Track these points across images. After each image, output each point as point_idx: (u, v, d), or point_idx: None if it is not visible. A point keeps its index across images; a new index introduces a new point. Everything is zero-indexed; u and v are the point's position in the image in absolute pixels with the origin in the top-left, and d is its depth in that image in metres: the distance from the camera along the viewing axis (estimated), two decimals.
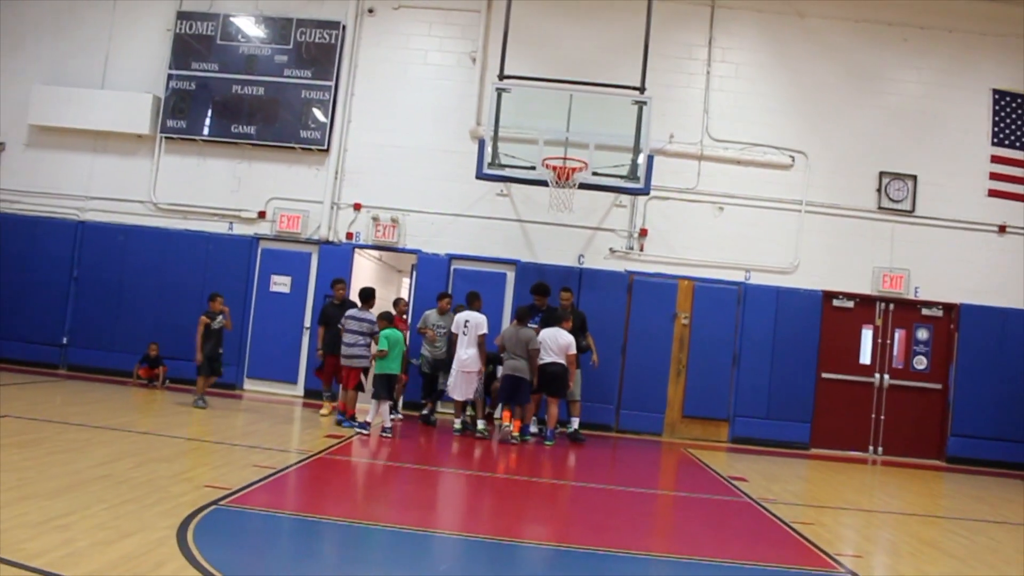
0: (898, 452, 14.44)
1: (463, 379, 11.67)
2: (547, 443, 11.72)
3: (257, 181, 14.97)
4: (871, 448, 14.60)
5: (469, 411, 12.34)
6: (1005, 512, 10.08)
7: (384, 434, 10.96)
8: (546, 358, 11.72)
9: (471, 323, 11.76)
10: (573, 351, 11.79)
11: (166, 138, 15.04)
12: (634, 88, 11.95)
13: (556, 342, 11.74)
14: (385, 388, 11.07)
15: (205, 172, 15.04)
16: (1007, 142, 14.80)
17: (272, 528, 6.29)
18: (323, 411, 12.69)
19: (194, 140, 14.96)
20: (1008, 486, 12.53)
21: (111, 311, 14.79)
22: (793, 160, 14.70)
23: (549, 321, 12.13)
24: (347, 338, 11.79)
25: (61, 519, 5.43)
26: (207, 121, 14.94)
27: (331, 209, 14.77)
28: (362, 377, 12.04)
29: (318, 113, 14.79)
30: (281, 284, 14.81)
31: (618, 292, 14.34)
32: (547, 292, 12.80)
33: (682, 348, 14.42)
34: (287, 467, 8.37)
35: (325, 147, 14.76)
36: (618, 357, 14.13)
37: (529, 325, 11.99)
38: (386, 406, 11.13)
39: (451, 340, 12.05)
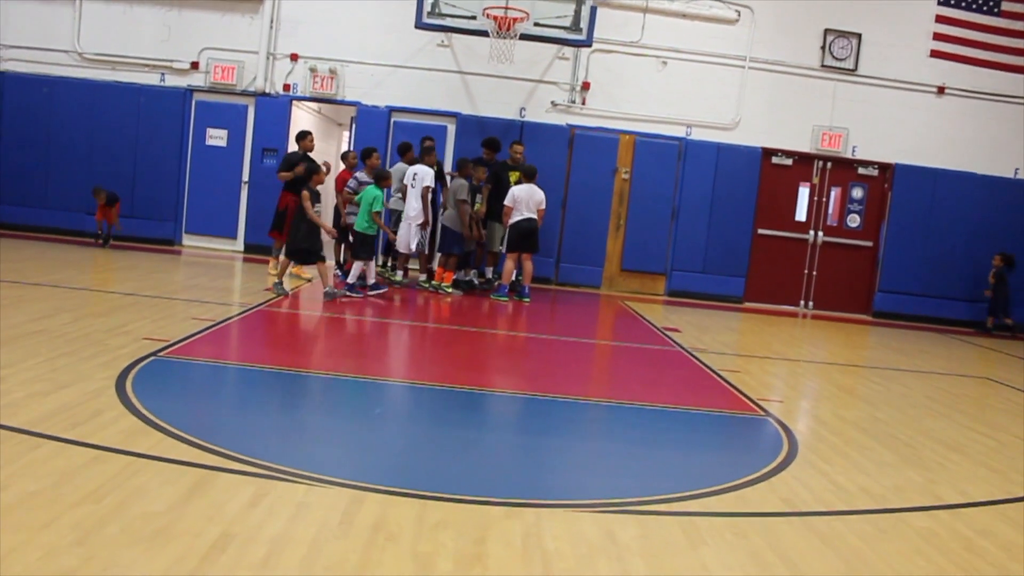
0: (828, 307, 14.93)
1: (407, 231, 11.54)
2: (524, 300, 11.77)
3: (189, 30, 14.34)
4: (802, 302, 15.08)
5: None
6: (919, 362, 10.61)
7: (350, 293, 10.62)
8: (523, 214, 11.56)
9: (418, 176, 11.55)
10: (544, 207, 11.73)
11: None
12: None
13: (533, 198, 11.62)
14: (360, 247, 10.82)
15: (133, 20, 14.34)
16: (952, 1, 14.72)
17: (211, 377, 6.39)
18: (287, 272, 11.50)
19: None
20: (928, 339, 13.11)
21: (40, 167, 14.29)
22: (739, 15, 14.50)
23: (500, 174, 12.06)
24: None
25: None
26: None
27: (267, 60, 14.30)
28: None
29: None
30: (217, 137, 14.45)
31: (559, 146, 14.29)
32: (498, 147, 12.63)
33: (622, 203, 14.54)
34: (227, 319, 8.40)
35: None
36: (558, 211, 14.20)
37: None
38: (360, 264, 10.73)
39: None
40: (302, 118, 15.54)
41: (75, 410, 4.84)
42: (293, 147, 12.20)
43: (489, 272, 12.79)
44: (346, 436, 5.31)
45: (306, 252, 10.25)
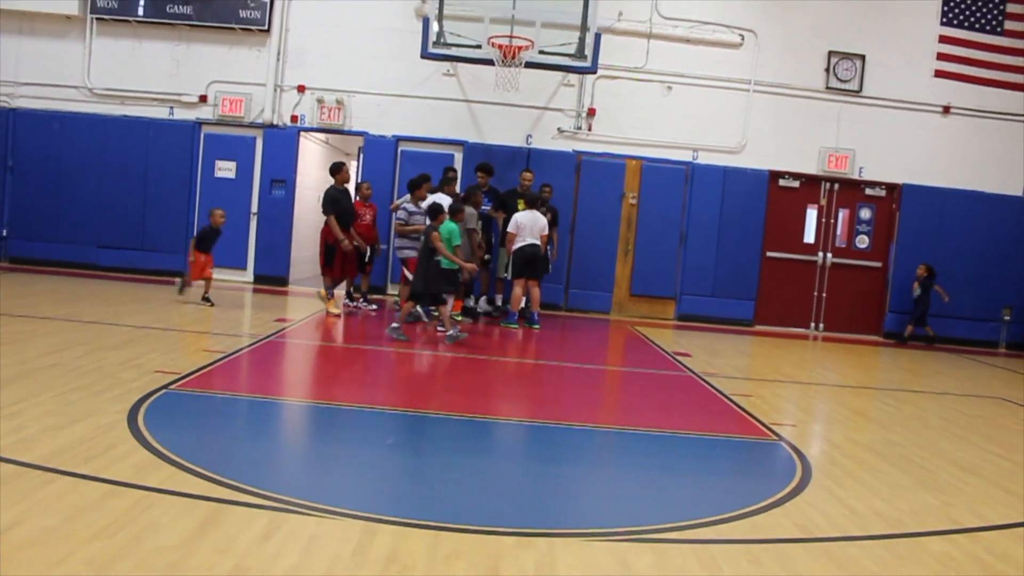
0: (838, 328, 14.89)
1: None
2: (534, 327, 11.75)
3: (197, 64, 14.51)
4: (812, 324, 15.04)
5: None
6: (932, 383, 10.56)
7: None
8: (526, 240, 11.56)
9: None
10: (547, 232, 11.74)
11: (97, 19, 14.40)
12: None
13: (536, 224, 11.65)
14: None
15: (141, 55, 14.52)
16: (955, 21, 14.79)
17: (222, 410, 6.39)
18: (333, 308, 11.47)
19: (128, 21, 14.36)
20: (939, 359, 13.06)
21: (50, 201, 14.43)
22: (743, 39, 14.59)
23: (507, 201, 12.12)
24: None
25: (10, 407, 5.44)
26: (141, 1, 14.31)
27: (274, 92, 14.43)
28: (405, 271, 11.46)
29: None
30: (226, 169, 14.56)
31: (566, 172, 14.35)
32: (491, 171, 12.64)
33: (630, 228, 14.57)
34: (238, 351, 8.42)
35: (266, 27, 14.30)
36: (567, 237, 14.23)
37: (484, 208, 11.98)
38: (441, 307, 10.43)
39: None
40: (310, 149, 15.65)
41: (88, 444, 4.85)
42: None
43: (499, 299, 12.81)
44: (358, 467, 5.30)
45: (434, 295, 10.10)
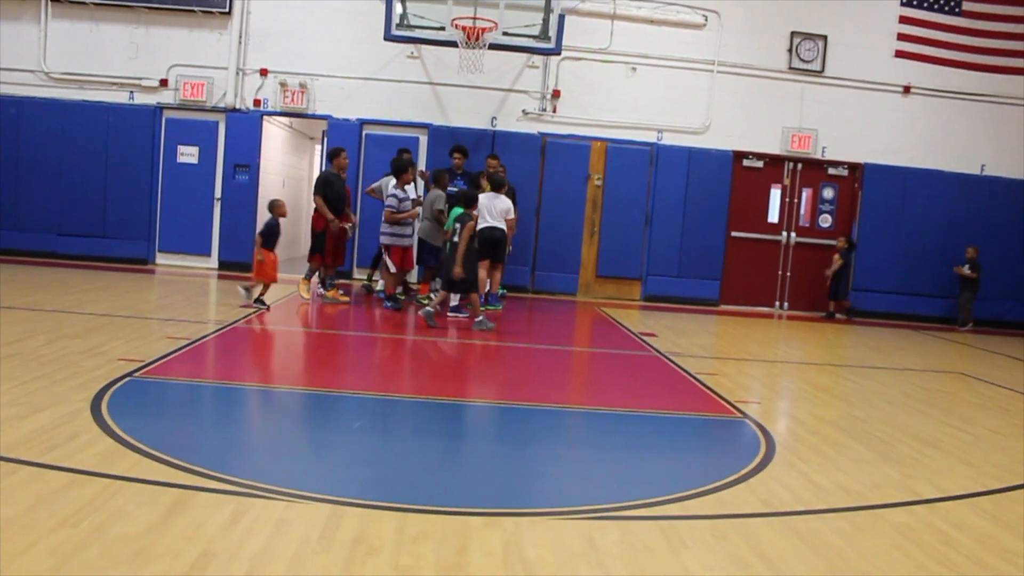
0: (803, 307, 15.08)
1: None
2: (494, 307, 11.73)
3: (157, 47, 14.29)
4: (777, 303, 15.20)
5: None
6: (895, 359, 10.72)
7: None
8: (487, 222, 11.50)
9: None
10: (512, 215, 11.53)
11: (53, 1, 14.12)
12: None
13: (496, 207, 11.58)
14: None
15: (99, 38, 14.26)
16: (915, 2, 14.95)
17: (187, 397, 6.34)
18: (305, 293, 11.35)
19: (84, 3, 14.09)
20: (902, 336, 13.26)
21: (8, 189, 14.15)
22: (706, 19, 14.63)
23: (475, 184, 12.03)
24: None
25: None
26: None
27: (236, 75, 14.27)
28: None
29: None
30: (188, 155, 14.40)
31: (532, 154, 14.35)
32: (466, 153, 12.61)
33: (595, 209, 14.61)
34: (202, 337, 8.35)
35: (227, 9, 14.11)
36: (532, 219, 14.24)
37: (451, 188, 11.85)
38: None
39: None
40: (274, 133, 15.51)
41: (51, 433, 4.79)
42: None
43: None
44: (324, 451, 5.29)
45: (469, 283, 10.13)
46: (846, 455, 5.67)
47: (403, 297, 11.59)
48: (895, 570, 3.78)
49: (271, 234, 10.39)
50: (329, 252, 11.39)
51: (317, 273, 11.66)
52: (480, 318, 10.05)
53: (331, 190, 11.27)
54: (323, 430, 5.82)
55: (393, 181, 11.15)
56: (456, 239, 10.07)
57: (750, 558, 3.77)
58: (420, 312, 10.17)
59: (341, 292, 11.59)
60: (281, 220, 10.50)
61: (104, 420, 5.14)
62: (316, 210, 11.29)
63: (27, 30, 14.16)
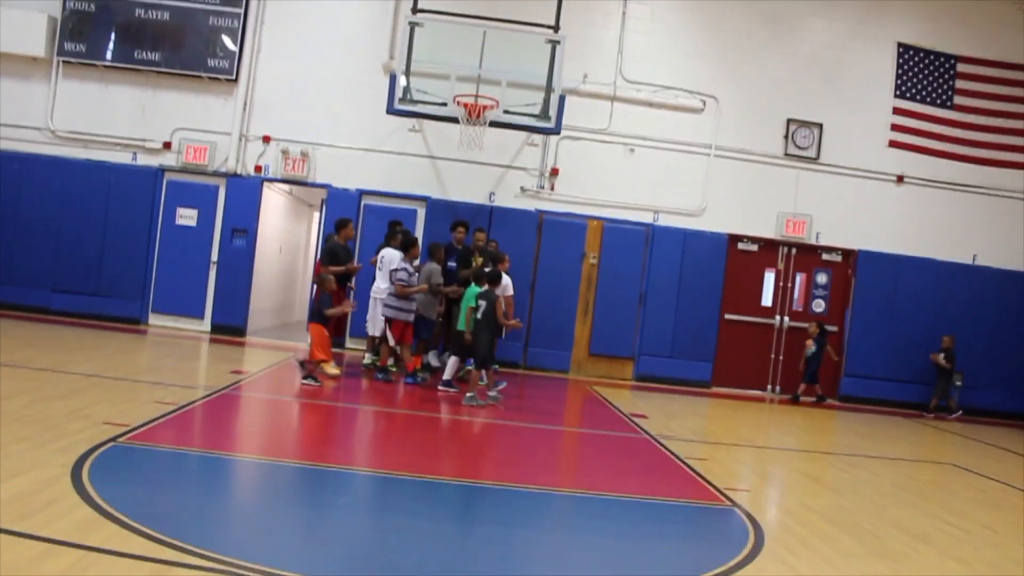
0: (795, 391, 14.99)
1: (374, 309, 11.47)
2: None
3: (163, 110, 14.47)
4: (769, 387, 15.15)
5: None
6: (885, 448, 10.65)
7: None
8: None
9: (386, 258, 11.50)
10: (509, 292, 11.54)
11: (64, 62, 14.35)
12: (548, 27, 11.90)
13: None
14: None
15: (107, 99, 14.45)
16: (908, 94, 15.26)
17: (171, 465, 6.25)
18: (332, 369, 10.92)
19: (95, 65, 14.31)
20: (893, 424, 13.20)
21: (6, 242, 14.15)
22: (704, 104, 14.89)
23: (467, 257, 12.05)
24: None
25: None
26: (109, 45, 14.30)
27: (239, 141, 14.42)
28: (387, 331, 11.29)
29: (227, 41, 14.32)
30: (187, 217, 14.46)
31: (528, 231, 14.44)
32: (468, 227, 12.65)
33: (590, 287, 14.65)
34: (191, 403, 8.28)
35: (234, 77, 14.34)
36: (527, 295, 14.26)
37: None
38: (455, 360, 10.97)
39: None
40: (273, 199, 15.63)
41: (28, 499, 4.71)
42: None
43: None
44: (308, 527, 5.21)
45: (488, 358, 10.31)
46: (835, 548, 5.59)
47: (394, 369, 11.51)
48: None
49: (320, 310, 10.46)
50: (333, 324, 11.22)
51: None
52: (471, 394, 10.01)
53: (338, 262, 11.28)
54: (307, 505, 5.74)
55: (398, 255, 11.24)
56: (479, 316, 10.17)
57: None
58: (464, 401, 10.08)
59: (333, 364, 11.49)
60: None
61: (84, 487, 5.07)
62: (320, 280, 11.05)
63: (36, 89, 14.34)
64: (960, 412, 14.60)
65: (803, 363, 14.57)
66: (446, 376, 10.84)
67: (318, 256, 13.62)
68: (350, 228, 11.63)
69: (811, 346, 14.43)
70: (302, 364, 10.55)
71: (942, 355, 14.58)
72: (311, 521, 5.34)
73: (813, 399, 14.53)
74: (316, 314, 10.50)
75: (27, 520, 4.39)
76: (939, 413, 14.63)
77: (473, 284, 10.63)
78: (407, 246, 11.31)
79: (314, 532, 5.11)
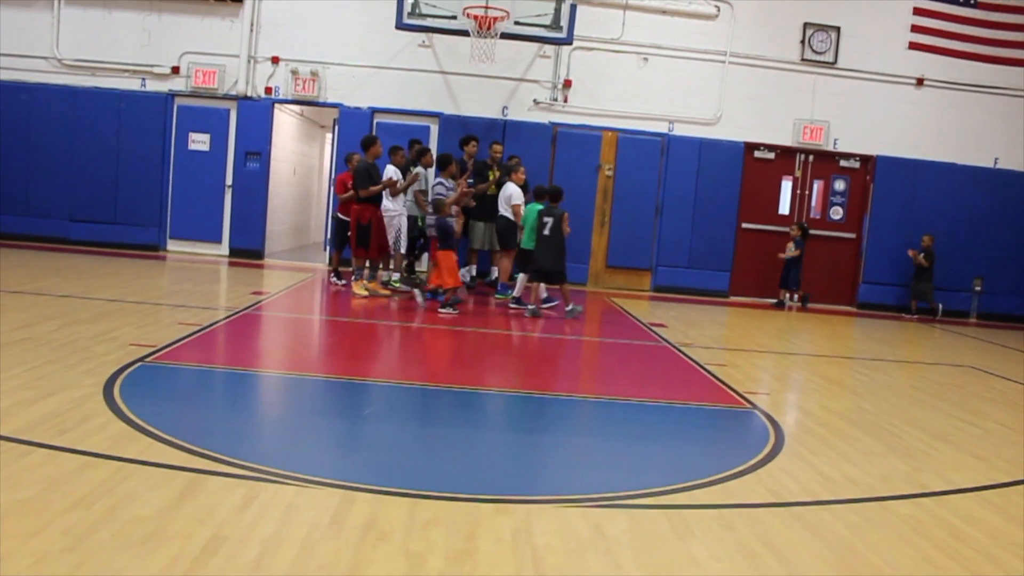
0: (813, 299, 14.99)
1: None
2: (499, 296, 11.78)
3: (169, 35, 14.29)
4: (787, 295, 15.14)
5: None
6: (904, 352, 10.71)
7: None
8: (499, 211, 11.61)
9: (421, 177, 11.51)
10: (516, 202, 11.52)
11: None
12: None
13: (503, 194, 11.64)
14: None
15: (112, 26, 14.26)
16: None
17: (198, 382, 6.37)
18: (381, 290, 11.23)
19: None
20: (911, 329, 13.23)
21: (20, 175, 14.17)
22: (718, 10, 14.57)
23: (481, 172, 12.02)
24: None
25: None
26: None
27: (248, 63, 14.26)
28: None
29: None
30: (200, 142, 14.41)
31: (542, 144, 14.32)
32: (478, 140, 12.54)
33: (606, 200, 14.59)
34: (214, 323, 8.39)
35: None
36: None
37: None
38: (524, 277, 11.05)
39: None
40: (284, 121, 15.52)
41: (62, 417, 4.83)
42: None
43: (473, 270, 12.68)
44: (335, 437, 5.32)
45: (558, 274, 10.50)
46: (855, 447, 5.67)
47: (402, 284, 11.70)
48: (903, 562, 3.79)
49: (446, 235, 10.41)
50: (374, 247, 11.19)
51: (368, 268, 11.39)
52: (571, 306, 10.45)
53: (372, 182, 11.03)
54: (334, 416, 5.85)
55: (423, 171, 11.50)
56: (547, 233, 10.34)
57: (757, 548, 3.78)
58: (526, 312, 10.51)
59: (382, 284, 11.52)
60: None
61: (116, 404, 5.18)
62: (359, 202, 10.99)
63: (40, 17, 14.17)
64: (940, 309, 14.52)
65: (787, 265, 14.42)
66: (515, 293, 11.00)
67: (333, 177, 13.55)
68: (379, 146, 11.36)
69: (791, 249, 14.34)
70: (433, 294, 10.51)
71: (922, 254, 14.44)
72: (339, 431, 5.45)
73: (798, 304, 14.53)
74: (444, 240, 10.38)
75: (64, 436, 4.50)
76: (921, 315, 14.58)
77: (534, 201, 10.80)
78: (443, 163, 11.35)
79: (343, 441, 5.22)
